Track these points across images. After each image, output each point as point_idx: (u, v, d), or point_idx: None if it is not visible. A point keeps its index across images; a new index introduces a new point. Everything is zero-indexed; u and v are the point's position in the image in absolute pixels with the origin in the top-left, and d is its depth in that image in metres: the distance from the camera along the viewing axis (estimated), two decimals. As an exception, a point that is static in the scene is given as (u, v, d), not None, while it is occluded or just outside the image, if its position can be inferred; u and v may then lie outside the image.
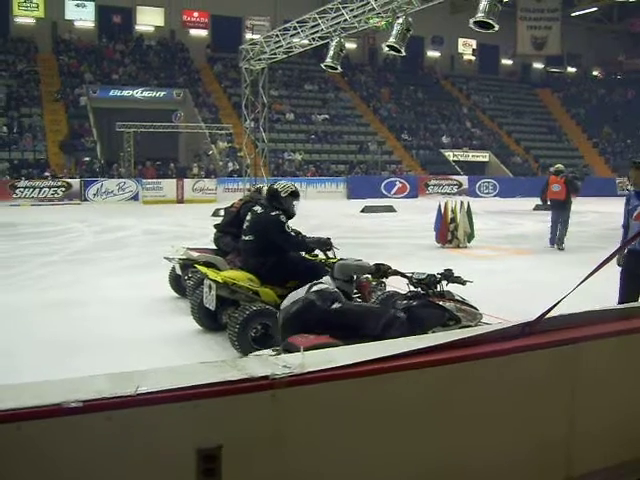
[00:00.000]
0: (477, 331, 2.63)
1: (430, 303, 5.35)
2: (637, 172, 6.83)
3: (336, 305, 5.10)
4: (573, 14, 50.36)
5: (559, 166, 16.55)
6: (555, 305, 2.53)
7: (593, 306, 2.90)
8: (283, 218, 7.19)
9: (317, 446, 2.14)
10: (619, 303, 6.51)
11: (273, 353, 4.91)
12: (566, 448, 2.62)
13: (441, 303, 5.42)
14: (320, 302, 5.10)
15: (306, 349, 4.29)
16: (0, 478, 1.77)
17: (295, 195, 7.54)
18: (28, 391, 1.94)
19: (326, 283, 5.39)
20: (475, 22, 14.19)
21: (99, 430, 1.85)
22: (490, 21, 13.90)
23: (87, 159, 35.15)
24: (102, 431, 1.85)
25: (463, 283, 5.79)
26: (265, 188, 9.88)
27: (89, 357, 6.51)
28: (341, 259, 5.93)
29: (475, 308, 5.68)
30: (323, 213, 23.57)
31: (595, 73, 59.65)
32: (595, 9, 50.35)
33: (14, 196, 30.91)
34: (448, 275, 5.77)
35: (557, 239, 15.70)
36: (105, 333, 7.51)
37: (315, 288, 5.28)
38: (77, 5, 43.94)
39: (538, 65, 58.20)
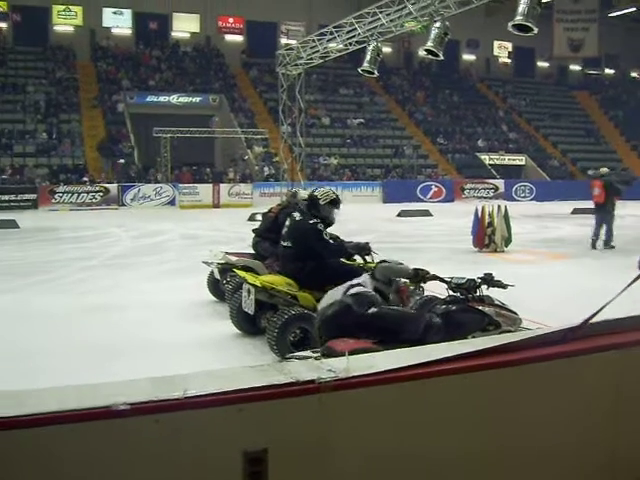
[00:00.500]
0: (520, 336, 2.61)
1: (469, 308, 5.33)
2: None
3: (373, 310, 5.10)
4: (611, 15, 49.74)
5: (604, 169, 16.65)
6: (599, 310, 2.50)
7: (637, 311, 2.87)
8: (320, 226, 7.19)
9: (361, 450, 2.15)
10: None
11: (313, 355, 4.93)
12: (610, 456, 2.60)
13: (480, 308, 5.39)
14: (356, 307, 5.09)
15: (342, 355, 4.28)
16: (53, 478, 1.81)
17: (335, 203, 7.53)
18: (76, 394, 1.97)
19: (364, 283, 5.37)
20: (514, 25, 14.11)
21: (147, 433, 1.88)
22: (529, 24, 13.81)
23: (122, 161, 35.57)
24: (150, 434, 1.88)
25: (504, 287, 5.74)
26: (301, 192, 9.90)
27: (129, 361, 6.57)
28: (384, 260, 5.91)
29: (515, 313, 5.65)
30: (360, 217, 23.55)
31: (634, 74, 58.74)
32: (634, 9, 49.56)
33: (53, 201, 31.42)
34: (488, 279, 5.72)
35: (604, 242, 15.95)
36: (144, 337, 7.57)
37: (352, 291, 5.27)
38: (114, 13, 44.52)
39: (575, 67, 57.59)
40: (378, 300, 5.19)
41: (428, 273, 5.85)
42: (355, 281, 5.35)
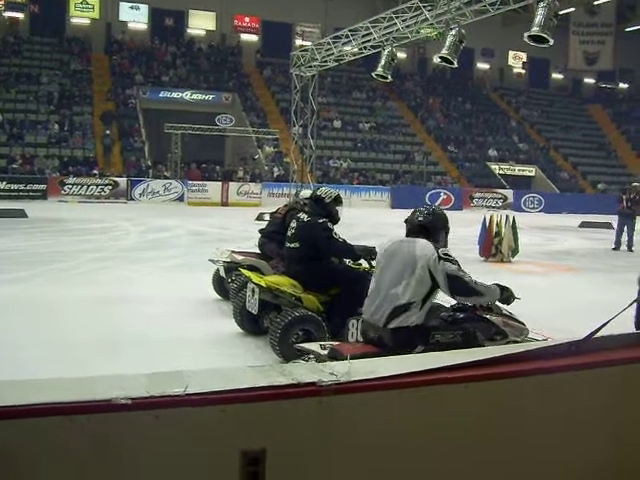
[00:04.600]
0: (523, 347, 2.61)
1: (477, 316, 5.30)
2: None
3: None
4: (627, 29, 49.61)
5: (636, 184, 18.86)
6: (605, 324, 2.50)
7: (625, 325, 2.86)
8: (330, 225, 7.22)
9: (360, 455, 2.14)
10: (636, 324, 6.22)
11: (320, 349, 4.95)
12: (613, 471, 2.58)
13: (488, 317, 5.37)
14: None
15: (352, 357, 4.29)
16: (47, 469, 1.81)
17: (338, 201, 7.61)
18: (76, 386, 1.97)
19: None
20: (530, 36, 14.11)
21: (147, 429, 1.87)
22: (545, 35, 13.81)
23: (108, 132, 35.75)
24: (150, 430, 1.88)
25: (508, 302, 5.63)
26: (303, 193, 9.92)
27: (130, 356, 6.60)
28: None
29: (522, 323, 5.61)
30: (367, 222, 23.56)
31: (648, 89, 58.66)
32: (650, 24, 49.56)
33: (62, 192, 31.52)
34: None
35: (627, 244, 17.98)
36: (146, 332, 7.57)
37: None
38: (131, 7, 44.71)
39: (589, 80, 57.50)
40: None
41: None
42: None
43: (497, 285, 5.19)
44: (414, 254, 4.80)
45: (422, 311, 4.77)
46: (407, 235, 5.19)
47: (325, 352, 4.84)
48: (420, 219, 5.18)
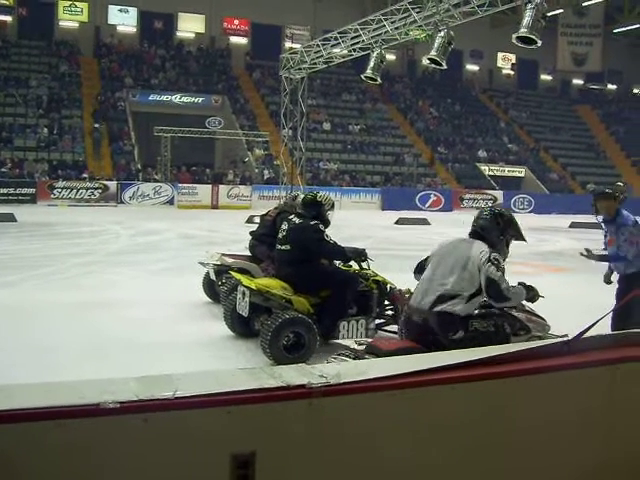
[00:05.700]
0: (514, 348, 2.61)
1: (502, 312, 5.36)
2: (608, 202, 6.99)
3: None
4: (615, 30, 49.81)
5: (619, 184, 18.57)
6: (594, 324, 2.50)
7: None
8: (322, 227, 7.24)
9: (349, 456, 2.14)
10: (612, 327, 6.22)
11: (356, 345, 5.05)
12: (602, 475, 2.58)
13: (512, 312, 5.44)
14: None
15: (388, 353, 4.32)
16: (36, 473, 1.80)
17: (333, 207, 7.72)
18: (64, 390, 1.96)
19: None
20: (518, 37, 14.15)
21: (135, 432, 1.87)
22: (533, 37, 13.85)
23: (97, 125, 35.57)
24: (138, 434, 1.87)
25: (533, 300, 5.69)
26: (301, 196, 9.89)
27: (119, 359, 6.55)
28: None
29: (543, 319, 5.70)
30: (357, 224, 23.56)
31: (636, 90, 58.75)
32: (638, 26, 49.65)
33: (52, 196, 31.40)
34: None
35: None
36: (136, 336, 7.55)
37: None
38: (120, 10, 44.62)
39: (578, 81, 57.70)
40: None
41: None
42: None
43: (522, 284, 5.43)
44: (469, 253, 5.03)
45: (466, 306, 4.95)
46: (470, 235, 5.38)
47: (362, 348, 4.91)
48: (477, 223, 5.39)
